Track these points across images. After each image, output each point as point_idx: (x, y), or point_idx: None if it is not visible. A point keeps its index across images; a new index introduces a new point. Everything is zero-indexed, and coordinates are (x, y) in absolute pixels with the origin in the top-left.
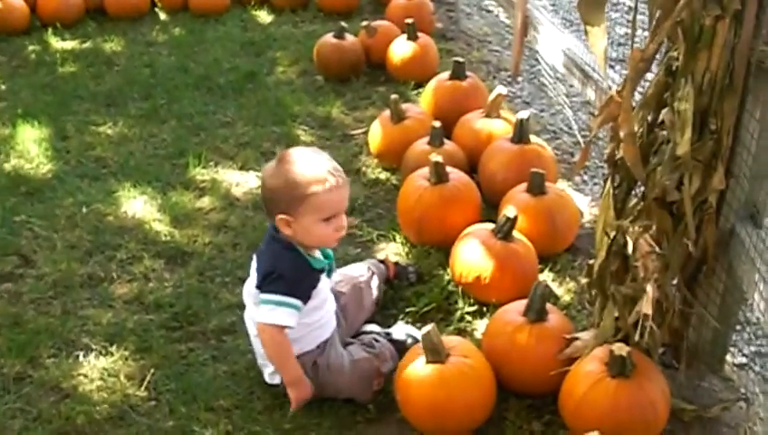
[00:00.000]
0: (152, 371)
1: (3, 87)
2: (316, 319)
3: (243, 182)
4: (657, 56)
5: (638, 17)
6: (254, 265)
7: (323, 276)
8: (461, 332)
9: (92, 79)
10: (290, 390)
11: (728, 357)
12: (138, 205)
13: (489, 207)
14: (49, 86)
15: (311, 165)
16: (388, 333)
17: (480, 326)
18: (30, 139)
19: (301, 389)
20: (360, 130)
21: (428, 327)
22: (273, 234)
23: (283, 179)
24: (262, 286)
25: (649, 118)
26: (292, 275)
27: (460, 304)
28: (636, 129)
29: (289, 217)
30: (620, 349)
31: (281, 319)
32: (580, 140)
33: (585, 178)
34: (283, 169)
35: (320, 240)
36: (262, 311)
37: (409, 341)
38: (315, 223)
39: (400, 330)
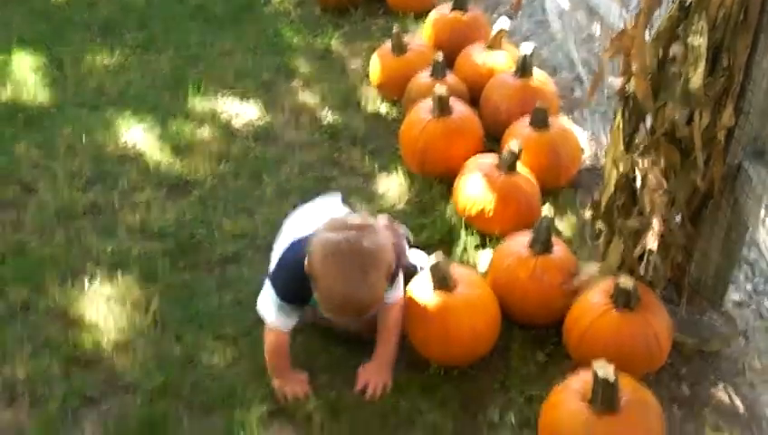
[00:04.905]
0: (157, 298)
1: None
2: None
3: (242, 112)
4: None
5: None
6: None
7: None
8: (464, 263)
9: (86, 8)
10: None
11: (728, 295)
12: (137, 134)
13: (491, 140)
14: (43, 14)
15: (335, 286)
16: None
17: (483, 258)
18: (26, 67)
19: (284, 383)
20: (358, 62)
21: (437, 256)
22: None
23: (318, 269)
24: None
25: (661, 52)
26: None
27: (463, 235)
28: (647, 65)
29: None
30: (626, 282)
31: (277, 324)
32: (582, 75)
33: (585, 113)
34: (326, 261)
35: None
36: (265, 306)
37: (419, 268)
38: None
39: (410, 256)
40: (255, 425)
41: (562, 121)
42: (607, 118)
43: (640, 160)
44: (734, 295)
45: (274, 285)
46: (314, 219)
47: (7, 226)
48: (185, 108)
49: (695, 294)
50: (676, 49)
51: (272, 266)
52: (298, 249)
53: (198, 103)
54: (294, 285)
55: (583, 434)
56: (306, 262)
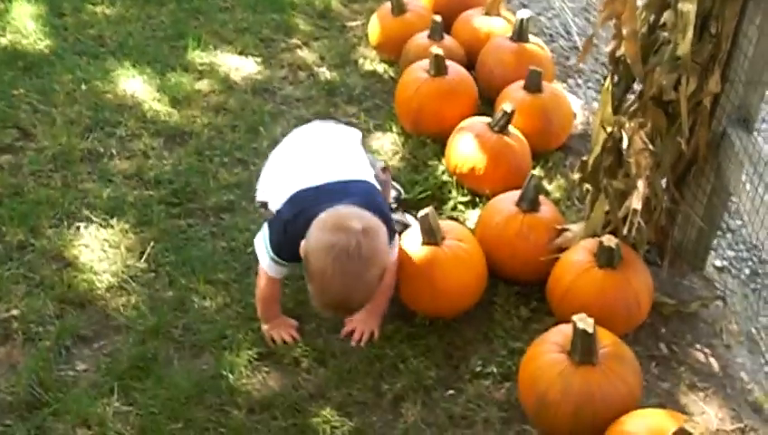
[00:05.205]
0: (152, 244)
1: None
2: None
3: (242, 67)
4: None
5: None
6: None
7: None
8: (453, 220)
9: None
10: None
11: (708, 260)
12: (136, 84)
13: (485, 103)
14: None
15: (330, 288)
16: None
17: (472, 216)
18: (26, 15)
19: (273, 327)
20: (357, 22)
21: (427, 210)
22: (295, 216)
23: (315, 268)
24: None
25: (652, 19)
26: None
27: (454, 193)
28: (638, 28)
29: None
30: (609, 240)
31: (270, 269)
32: (578, 43)
33: (579, 81)
34: (325, 264)
35: None
36: (261, 250)
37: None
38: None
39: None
40: (244, 367)
41: (556, 87)
42: (600, 86)
43: (628, 123)
44: (716, 261)
45: (271, 239)
46: (327, 163)
47: (5, 168)
48: (184, 60)
49: (677, 258)
50: (666, 16)
51: (268, 192)
52: (300, 207)
53: (198, 57)
54: (290, 248)
55: (561, 384)
56: (303, 247)
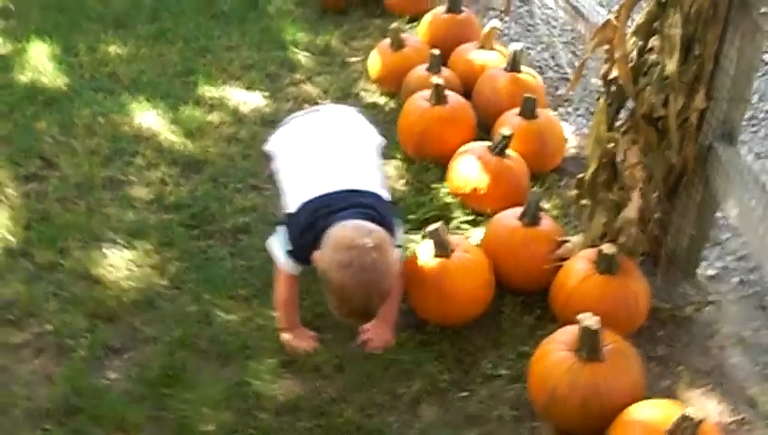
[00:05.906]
0: (175, 263)
1: (12, 7)
2: None
3: (250, 101)
4: None
5: None
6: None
7: None
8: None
9: (99, 1)
10: (282, 334)
11: (700, 270)
12: (151, 117)
13: (482, 129)
14: (57, 7)
15: (348, 298)
16: None
17: (475, 234)
18: (43, 54)
19: (293, 337)
20: (356, 58)
21: (437, 224)
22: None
23: (333, 282)
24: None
25: (640, 44)
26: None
27: (457, 213)
28: (628, 52)
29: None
30: (609, 248)
31: (288, 267)
32: (569, 73)
33: (569, 110)
34: (341, 279)
35: None
36: (277, 250)
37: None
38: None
39: None
40: (268, 374)
41: (549, 113)
42: (588, 114)
43: (621, 139)
44: (707, 271)
45: (292, 241)
46: (342, 170)
47: (31, 196)
48: (195, 95)
49: (670, 266)
50: (653, 40)
51: (280, 155)
52: (315, 216)
53: (208, 91)
54: (303, 250)
55: (569, 379)
56: (319, 263)
